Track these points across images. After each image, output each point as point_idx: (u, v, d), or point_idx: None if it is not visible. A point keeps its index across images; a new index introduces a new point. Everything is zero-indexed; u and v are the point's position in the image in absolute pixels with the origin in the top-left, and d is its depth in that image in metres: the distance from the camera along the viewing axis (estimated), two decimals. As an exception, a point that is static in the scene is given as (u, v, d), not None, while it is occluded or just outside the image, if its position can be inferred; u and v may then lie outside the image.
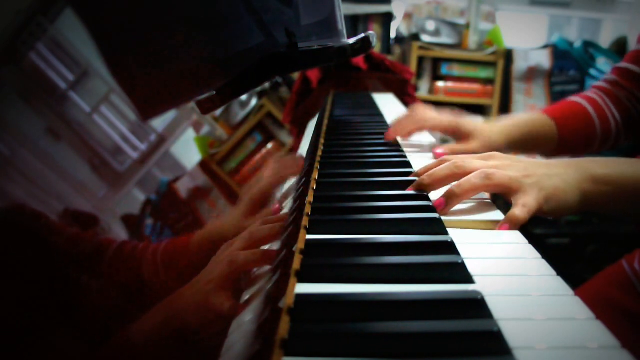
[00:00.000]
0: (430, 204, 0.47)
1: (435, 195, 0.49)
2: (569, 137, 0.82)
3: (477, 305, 0.30)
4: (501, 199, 0.52)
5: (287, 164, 0.73)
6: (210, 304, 0.46)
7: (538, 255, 0.39)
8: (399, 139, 0.77)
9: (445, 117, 0.77)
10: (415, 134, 0.78)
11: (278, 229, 0.51)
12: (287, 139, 2.19)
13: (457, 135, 0.77)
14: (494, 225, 0.45)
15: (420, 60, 2.37)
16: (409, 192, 0.51)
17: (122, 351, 0.48)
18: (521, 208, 0.45)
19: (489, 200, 0.51)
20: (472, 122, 0.77)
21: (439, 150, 0.72)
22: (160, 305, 0.50)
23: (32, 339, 0.50)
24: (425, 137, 0.82)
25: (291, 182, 0.73)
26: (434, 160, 0.54)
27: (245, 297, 0.48)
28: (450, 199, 0.47)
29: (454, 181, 0.49)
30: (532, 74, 2.44)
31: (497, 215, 0.47)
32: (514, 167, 0.49)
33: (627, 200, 0.49)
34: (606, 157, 0.52)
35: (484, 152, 0.70)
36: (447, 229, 0.43)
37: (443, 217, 0.45)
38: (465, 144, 0.75)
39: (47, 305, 0.55)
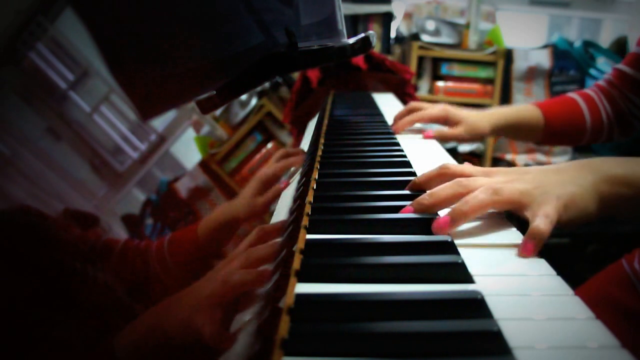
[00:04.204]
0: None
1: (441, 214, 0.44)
2: (555, 126, 0.87)
3: (477, 305, 0.30)
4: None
5: (292, 152, 0.80)
6: (193, 323, 0.44)
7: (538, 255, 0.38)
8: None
9: (436, 108, 0.86)
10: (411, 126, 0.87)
11: (276, 249, 0.47)
12: (287, 139, 2.19)
13: (448, 123, 0.85)
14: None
15: (420, 60, 2.37)
16: (409, 192, 0.51)
17: (108, 355, 0.47)
18: (543, 219, 0.39)
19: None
20: (460, 111, 0.85)
21: (429, 133, 0.82)
22: (146, 314, 0.49)
23: (36, 332, 0.50)
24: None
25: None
26: (434, 169, 0.49)
27: (236, 326, 0.43)
28: (456, 217, 0.41)
29: (457, 201, 0.43)
30: (532, 73, 2.44)
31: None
32: (521, 179, 0.44)
33: None
34: (617, 157, 0.47)
35: (469, 136, 0.83)
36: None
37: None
38: (453, 129, 0.83)
39: (53, 299, 0.56)
